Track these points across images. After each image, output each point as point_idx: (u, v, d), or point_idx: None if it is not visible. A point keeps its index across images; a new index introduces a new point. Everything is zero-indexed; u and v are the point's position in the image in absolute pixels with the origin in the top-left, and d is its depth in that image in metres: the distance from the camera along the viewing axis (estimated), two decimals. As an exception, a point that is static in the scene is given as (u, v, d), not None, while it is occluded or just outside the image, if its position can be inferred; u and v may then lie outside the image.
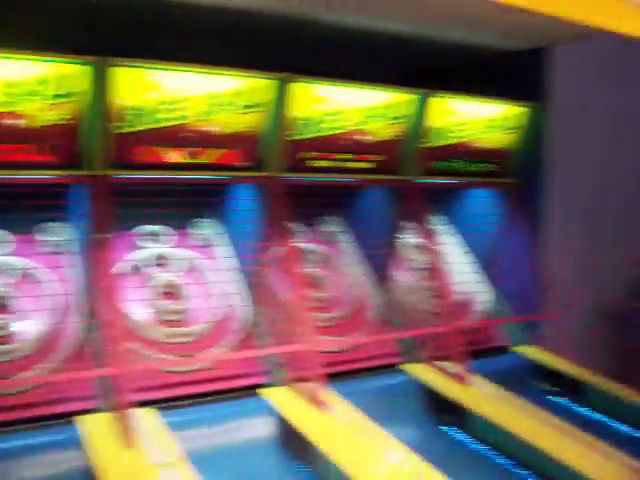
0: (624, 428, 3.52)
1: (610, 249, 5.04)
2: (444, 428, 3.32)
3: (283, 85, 3.22)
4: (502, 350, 4.22)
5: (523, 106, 4.23)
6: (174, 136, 3.07)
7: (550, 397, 3.87)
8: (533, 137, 4.36)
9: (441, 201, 4.49)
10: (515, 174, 4.41)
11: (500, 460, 3.02)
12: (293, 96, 3.26)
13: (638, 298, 5.06)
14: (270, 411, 3.06)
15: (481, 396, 3.41)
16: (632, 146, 5.10)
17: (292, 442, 2.88)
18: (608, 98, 4.84)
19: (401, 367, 3.69)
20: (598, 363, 4.45)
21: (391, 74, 3.85)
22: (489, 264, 4.52)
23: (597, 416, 3.67)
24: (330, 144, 3.51)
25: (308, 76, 3.31)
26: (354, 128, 3.55)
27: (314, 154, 3.50)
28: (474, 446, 3.16)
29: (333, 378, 3.34)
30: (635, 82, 5.01)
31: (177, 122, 3.05)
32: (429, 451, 2.81)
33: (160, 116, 2.99)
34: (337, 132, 3.50)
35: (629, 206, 5.15)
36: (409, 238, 4.19)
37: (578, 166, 4.70)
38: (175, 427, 2.81)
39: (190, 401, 3.11)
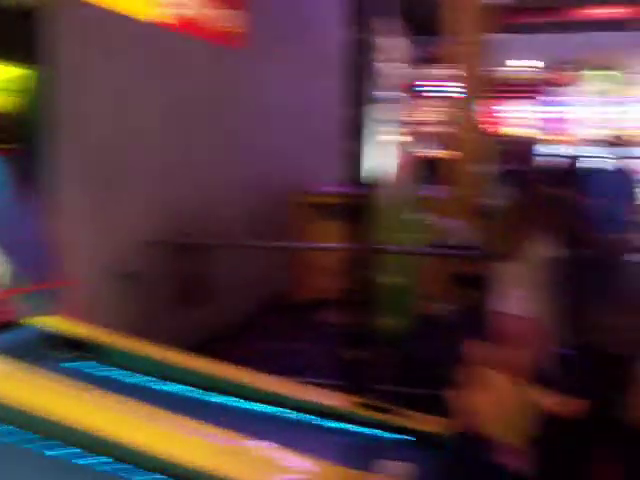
0: (141, 379, 3.72)
1: (126, 210, 5.20)
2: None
3: None
4: (16, 324, 4.05)
5: (22, 68, 4.04)
6: None
7: (70, 364, 3.86)
8: (35, 101, 4.21)
9: None
10: (20, 139, 4.22)
11: (21, 437, 2.92)
12: None
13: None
14: None
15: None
16: (138, 107, 5.31)
17: None
18: (111, 63, 4.94)
19: None
20: (119, 322, 4.59)
21: None
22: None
23: (117, 373, 3.80)
24: None
25: None
26: None
27: None
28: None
29: None
30: (132, 49, 5.20)
31: None
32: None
33: None
34: None
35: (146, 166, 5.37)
36: None
37: (87, 129, 4.72)
38: None
39: None
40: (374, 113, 3.83)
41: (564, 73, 18.16)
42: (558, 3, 15.99)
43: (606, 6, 13.41)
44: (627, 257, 5.60)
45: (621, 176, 6.42)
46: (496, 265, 3.77)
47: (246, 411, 3.44)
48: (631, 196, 6.27)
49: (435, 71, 17.52)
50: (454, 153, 7.57)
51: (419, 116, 16.71)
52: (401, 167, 5.55)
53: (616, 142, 6.97)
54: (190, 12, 4.02)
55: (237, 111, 6.90)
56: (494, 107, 17.09)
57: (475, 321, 4.70)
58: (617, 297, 4.52)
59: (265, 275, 7.29)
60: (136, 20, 3.67)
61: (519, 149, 12.29)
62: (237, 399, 3.49)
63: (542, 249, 3.66)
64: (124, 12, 3.52)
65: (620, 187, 6.19)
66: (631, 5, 12.39)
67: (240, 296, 6.83)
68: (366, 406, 3.16)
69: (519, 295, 3.70)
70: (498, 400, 0.81)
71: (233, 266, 6.51)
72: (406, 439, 2.46)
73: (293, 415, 3.36)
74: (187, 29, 4.04)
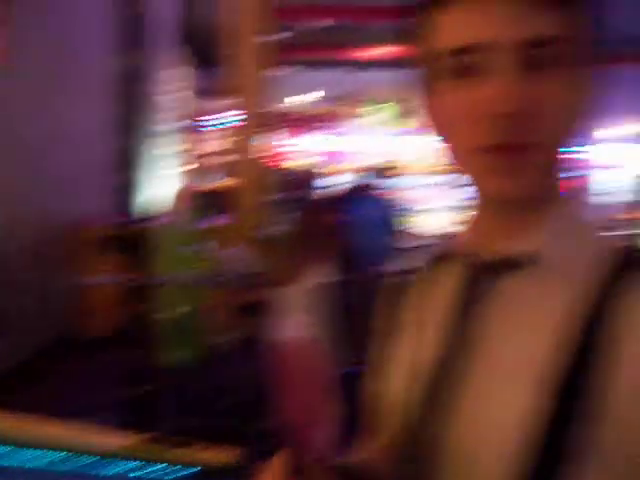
0: None
1: None
2: None
3: None
4: None
5: None
6: None
7: None
8: None
9: None
10: None
11: None
12: None
13: None
14: None
15: None
16: None
17: None
18: None
19: None
20: None
21: None
22: None
23: None
24: None
25: None
26: None
27: None
28: None
29: None
30: None
31: None
32: None
33: None
34: None
35: None
36: None
37: None
38: None
39: None
40: (153, 144, 3.81)
41: (345, 107, 19.14)
42: (338, 42, 16.86)
43: (382, 46, 14.37)
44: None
45: (387, 205, 6.89)
46: (276, 291, 3.88)
47: (23, 461, 3.24)
48: (394, 224, 6.72)
49: (218, 102, 17.72)
50: (235, 183, 7.69)
51: (201, 147, 16.76)
52: (181, 198, 5.54)
53: (390, 172, 7.51)
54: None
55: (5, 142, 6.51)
56: (277, 139, 17.60)
57: (258, 349, 4.80)
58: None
59: (49, 313, 6.91)
60: None
61: (300, 179, 12.78)
62: (11, 449, 3.27)
63: (319, 274, 3.82)
64: None
65: (385, 215, 6.62)
66: (403, 45, 13.39)
67: (21, 336, 6.42)
68: (153, 442, 3.12)
69: (299, 320, 3.82)
70: None
71: (12, 305, 6.11)
72: (194, 473, 2.48)
73: (75, 460, 3.21)
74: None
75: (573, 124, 0.82)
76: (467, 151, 0.81)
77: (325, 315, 3.85)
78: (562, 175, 0.88)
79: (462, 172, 0.85)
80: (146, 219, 3.68)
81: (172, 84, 10.58)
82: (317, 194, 10.34)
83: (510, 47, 0.75)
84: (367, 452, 1.07)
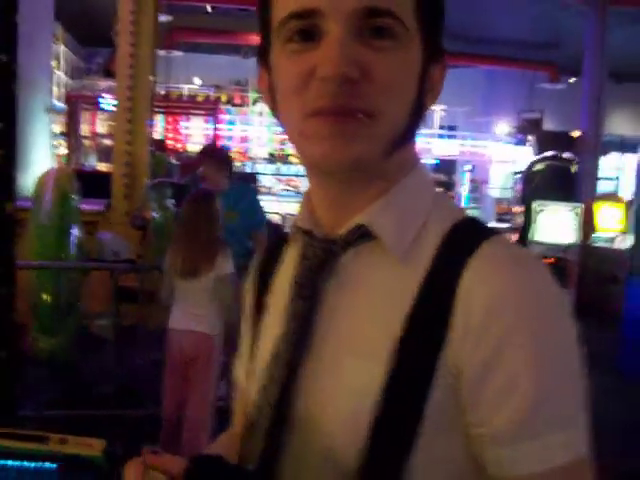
0: None
1: None
2: None
3: None
4: None
5: None
6: None
7: None
8: None
9: None
10: None
11: None
12: None
13: None
14: None
15: None
16: None
17: None
18: None
19: None
20: None
21: None
22: None
23: None
24: None
25: None
26: None
27: None
28: None
29: None
30: None
31: None
32: None
33: None
34: None
35: None
36: None
37: None
38: None
39: None
40: (29, 123, 3.58)
41: (238, 93, 18.95)
42: (233, 27, 16.60)
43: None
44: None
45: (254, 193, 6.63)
46: (168, 281, 3.71)
47: None
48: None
49: (103, 83, 17.13)
50: (116, 166, 7.44)
51: (84, 128, 16.18)
52: (45, 180, 5.26)
53: (278, 159, 7.43)
54: None
55: None
56: (168, 122, 17.22)
57: (138, 336, 4.68)
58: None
59: None
60: None
61: (184, 165, 12.51)
62: None
63: (223, 265, 3.66)
64: None
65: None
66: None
67: None
68: (12, 437, 2.96)
69: (195, 313, 3.68)
70: None
71: None
72: (58, 466, 2.33)
73: None
74: None
75: (403, 100, 0.80)
76: (298, 119, 0.79)
77: (228, 307, 3.71)
78: (411, 154, 0.87)
79: (294, 145, 0.83)
80: (17, 199, 3.46)
81: (49, 62, 10.14)
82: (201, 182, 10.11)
83: (344, 13, 0.75)
84: (221, 440, 1.05)
